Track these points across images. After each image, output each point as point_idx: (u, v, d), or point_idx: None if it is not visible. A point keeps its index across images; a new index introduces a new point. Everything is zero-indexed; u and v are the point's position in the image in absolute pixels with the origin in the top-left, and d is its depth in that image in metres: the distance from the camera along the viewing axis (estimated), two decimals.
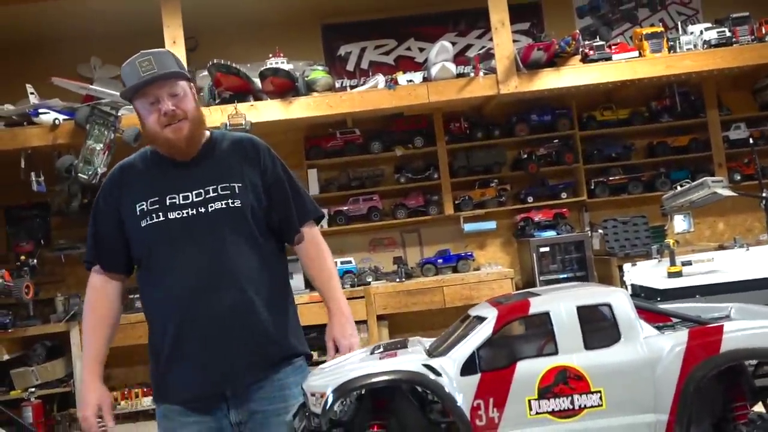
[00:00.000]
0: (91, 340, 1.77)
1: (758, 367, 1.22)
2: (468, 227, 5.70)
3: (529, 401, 1.06)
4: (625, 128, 5.75)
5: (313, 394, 1.11)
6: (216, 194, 1.70)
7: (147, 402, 5.28)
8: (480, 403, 1.06)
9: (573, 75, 5.06)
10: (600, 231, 5.49)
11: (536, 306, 1.13)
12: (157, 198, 1.71)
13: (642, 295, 3.49)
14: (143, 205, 1.71)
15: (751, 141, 4.83)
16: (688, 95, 5.73)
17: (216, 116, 4.97)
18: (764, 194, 4.02)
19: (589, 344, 1.09)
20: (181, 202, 1.69)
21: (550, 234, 5.49)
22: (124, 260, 1.78)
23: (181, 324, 1.66)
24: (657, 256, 4.17)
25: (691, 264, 3.77)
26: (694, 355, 1.05)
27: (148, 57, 1.68)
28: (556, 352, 1.09)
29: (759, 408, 1.09)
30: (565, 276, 5.35)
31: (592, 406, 1.06)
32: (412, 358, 1.11)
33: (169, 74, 1.68)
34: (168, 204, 1.70)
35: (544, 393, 1.07)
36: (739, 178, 5.61)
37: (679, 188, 4.14)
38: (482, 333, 1.11)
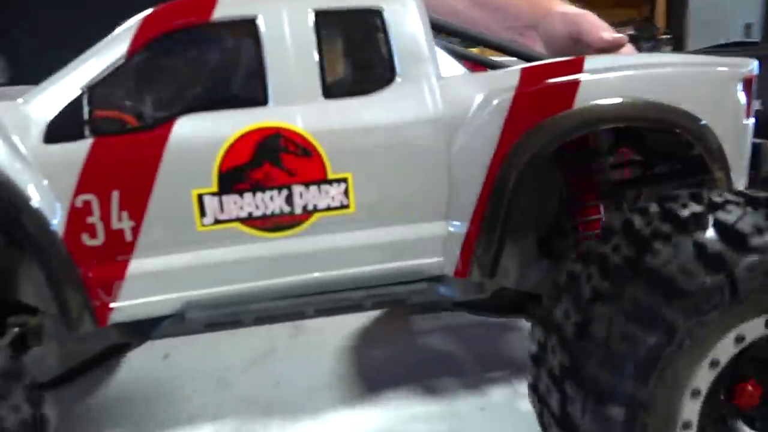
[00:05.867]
0: None
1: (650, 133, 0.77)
2: None
3: (200, 198, 0.52)
4: None
5: None
6: None
7: None
8: (90, 202, 0.50)
9: None
10: None
11: (229, 6, 0.54)
12: None
13: None
14: None
15: None
16: None
17: None
18: None
19: (333, 88, 0.54)
20: None
21: None
22: None
23: None
24: None
25: None
26: (524, 112, 0.55)
27: None
28: (264, 102, 0.53)
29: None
30: None
31: (330, 209, 0.54)
32: None
33: None
34: None
35: (233, 180, 0.52)
36: None
37: None
38: (105, 57, 0.51)
